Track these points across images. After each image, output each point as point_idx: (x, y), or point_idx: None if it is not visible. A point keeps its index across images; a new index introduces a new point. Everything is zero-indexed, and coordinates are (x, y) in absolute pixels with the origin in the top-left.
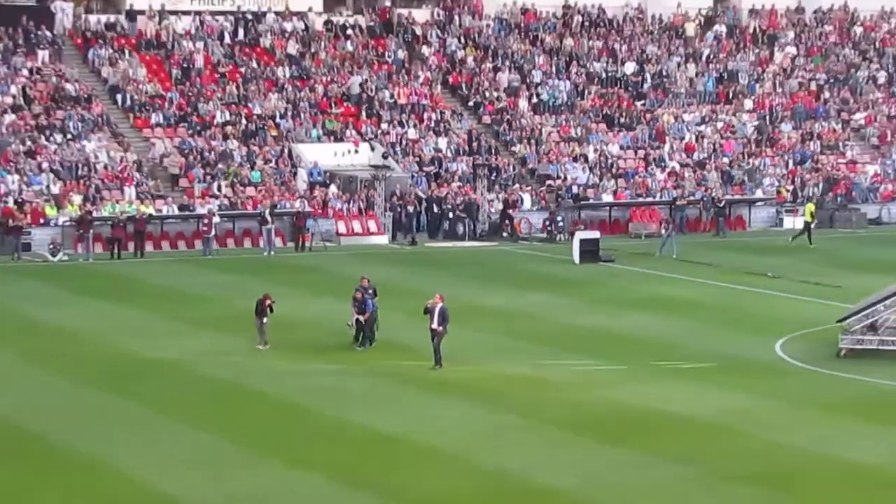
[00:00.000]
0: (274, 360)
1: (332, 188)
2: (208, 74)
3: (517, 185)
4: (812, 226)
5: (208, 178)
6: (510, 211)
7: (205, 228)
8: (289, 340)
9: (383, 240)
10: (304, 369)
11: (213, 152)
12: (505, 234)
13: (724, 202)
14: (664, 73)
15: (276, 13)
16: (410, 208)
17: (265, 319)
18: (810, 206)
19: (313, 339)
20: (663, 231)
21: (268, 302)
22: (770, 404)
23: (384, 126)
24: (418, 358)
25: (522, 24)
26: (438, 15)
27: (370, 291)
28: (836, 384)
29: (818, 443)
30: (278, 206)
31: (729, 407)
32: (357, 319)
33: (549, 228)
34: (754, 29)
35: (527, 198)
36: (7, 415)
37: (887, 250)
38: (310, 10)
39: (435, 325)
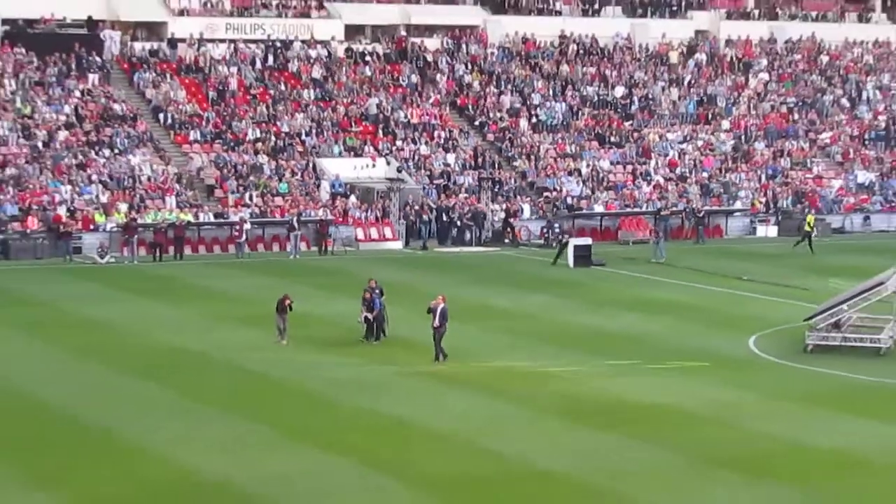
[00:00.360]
0: (297, 354)
1: (352, 198)
2: (241, 96)
3: (518, 197)
4: (813, 235)
5: (241, 188)
6: (511, 219)
7: (237, 234)
8: (310, 336)
9: (398, 245)
10: (324, 362)
11: (245, 166)
12: (507, 241)
13: (703, 212)
14: (650, 96)
15: (303, 41)
16: (425, 216)
17: (285, 317)
18: (810, 218)
19: (332, 335)
20: (653, 239)
21: (287, 301)
22: (745, 395)
23: (399, 143)
24: (426, 352)
25: (523, 52)
26: (448, 44)
27: (377, 291)
28: (804, 377)
29: (790, 430)
30: (303, 215)
31: (709, 398)
32: (366, 317)
33: (546, 235)
34: (731, 57)
35: (527, 208)
36: (57, 403)
37: (850, 256)
38: (332, 38)
39: (436, 324)
